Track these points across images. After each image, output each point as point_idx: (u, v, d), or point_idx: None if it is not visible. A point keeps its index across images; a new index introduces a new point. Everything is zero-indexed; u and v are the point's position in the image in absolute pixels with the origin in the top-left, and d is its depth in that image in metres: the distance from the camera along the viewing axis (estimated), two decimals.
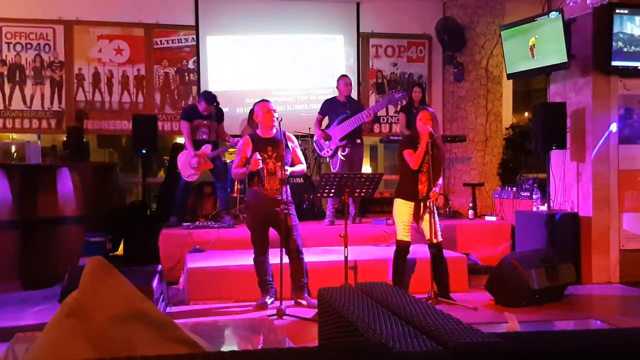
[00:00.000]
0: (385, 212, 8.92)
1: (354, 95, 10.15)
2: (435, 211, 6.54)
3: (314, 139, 8.69)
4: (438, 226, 6.54)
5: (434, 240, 6.43)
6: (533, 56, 8.13)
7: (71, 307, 1.74)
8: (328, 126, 8.61)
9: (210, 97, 8.50)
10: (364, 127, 8.55)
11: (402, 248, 6.56)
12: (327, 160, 8.79)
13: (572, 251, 7.52)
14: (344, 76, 8.69)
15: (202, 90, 9.34)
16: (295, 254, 6.41)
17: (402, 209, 6.51)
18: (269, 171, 6.29)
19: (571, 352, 1.92)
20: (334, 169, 8.47)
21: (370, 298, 2.85)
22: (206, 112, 8.45)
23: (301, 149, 6.91)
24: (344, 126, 8.35)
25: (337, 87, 8.63)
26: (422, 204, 6.50)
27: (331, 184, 6.24)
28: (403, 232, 6.53)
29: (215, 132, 8.62)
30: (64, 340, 1.70)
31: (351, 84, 8.71)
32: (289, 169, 6.31)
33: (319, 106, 8.80)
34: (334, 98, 8.69)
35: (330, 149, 8.49)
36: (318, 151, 8.71)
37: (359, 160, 8.63)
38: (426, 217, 6.48)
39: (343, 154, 8.40)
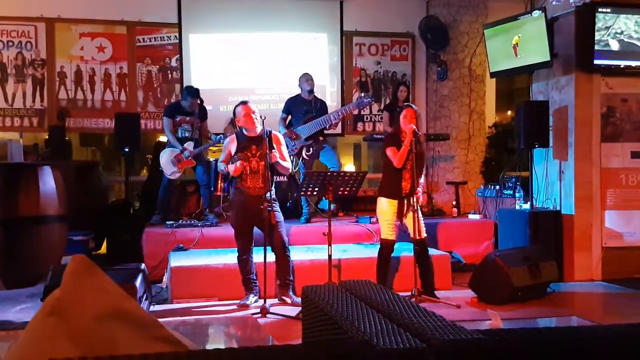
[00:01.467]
0: (369, 211, 8.91)
1: (338, 94, 10.16)
2: (419, 208, 6.55)
3: None
4: (422, 222, 6.55)
5: (418, 237, 6.44)
6: (516, 55, 8.16)
7: (53, 305, 1.73)
8: (291, 124, 8.60)
9: (193, 91, 8.46)
10: (333, 127, 8.53)
11: (387, 246, 6.56)
12: (291, 158, 8.78)
13: (555, 249, 7.57)
14: (306, 75, 8.59)
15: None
16: (281, 251, 6.40)
17: (386, 207, 6.51)
18: (252, 169, 6.28)
19: (553, 349, 1.93)
20: (296, 169, 8.48)
21: (354, 296, 2.85)
22: (192, 107, 8.41)
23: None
24: (310, 126, 8.34)
25: (300, 85, 8.57)
26: (405, 202, 6.50)
27: (314, 182, 6.24)
28: (387, 231, 6.53)
29: (198, 129, 8.58)
30: (45, 339, 1.69)
31: (312, 80, 8.59)
32: (276, 154, 6.30)
33: None
34: (297, 96, 8.63)
35: (296, 148, 8.46)
36: None
37: (328, 154, 8.57)
38: (410, 214, 6.49)
39: (307, 153, 8.40)
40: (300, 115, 8.48)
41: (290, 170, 6.87)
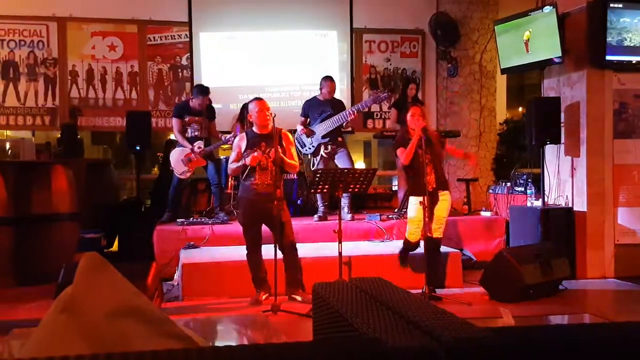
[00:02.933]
0: (379, 208, 8.92)
1: (348, 91, 10.13)
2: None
3: (295, 136, 8.47)
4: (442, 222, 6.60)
5: (433, 235, 6.47)
6: (527, 51, 8.14)
7: (66, 303, 1.74)
8: (309, 124, 8.51)
9: (203, 89, 8.46)
10: (350, 124, 8.45)
11: (411, 247, 6.64)
12: (309, 157, 8.71)
13: (567, 246, 7.53)
14: (329, 79, 8.46)
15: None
16: (289, 249, 6.39)
17: (416, 206, 6.47)
18: (260, 166, 6.27)
19: (565, 347, 1.92)
20: (314, 167, 8.40)
21: (364, 293, 2.84)
22: (201, 106, 8.40)
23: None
24: (326, 123, 8.26)
25: (320, 88, 8.46)
26: (438, 196, 6.50)
27: (325, 179, 6.23)
28: (412, 231, 6.59)
29: (207, 129, 8.58)
30: (58, 336, 1.69)
31: (335, 88, 8.51)
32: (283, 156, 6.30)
33: None
34: (314, 98, 8.55)
35: (312, 146, 8.40)
36: (299, 148, 8.55)
37: (343, 158, 8.38)
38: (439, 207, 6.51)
39: (326, 151, 8.33)
40: (316, 115, 8.38)
41: (298, 168, 6.84)
